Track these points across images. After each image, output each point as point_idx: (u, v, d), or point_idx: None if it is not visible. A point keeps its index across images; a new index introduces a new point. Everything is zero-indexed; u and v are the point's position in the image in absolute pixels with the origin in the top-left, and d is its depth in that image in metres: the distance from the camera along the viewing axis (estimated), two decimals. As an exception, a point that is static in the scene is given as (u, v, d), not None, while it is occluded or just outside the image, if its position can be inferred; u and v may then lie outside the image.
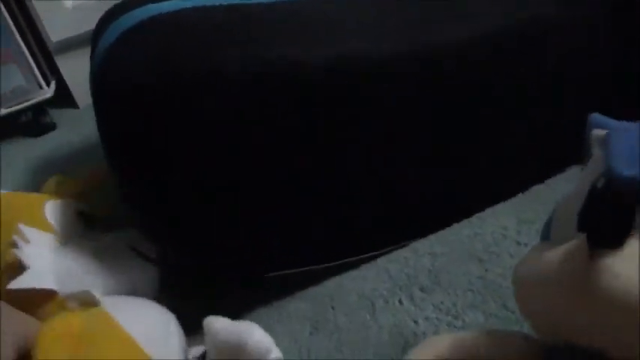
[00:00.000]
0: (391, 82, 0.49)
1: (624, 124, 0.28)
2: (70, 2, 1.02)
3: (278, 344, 0.44)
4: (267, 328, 0.42)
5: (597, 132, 0.30)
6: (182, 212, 0.51)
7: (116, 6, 0.66)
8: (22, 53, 0.95)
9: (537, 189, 0.54)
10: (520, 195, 0.54)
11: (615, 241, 0.23)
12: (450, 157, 0.52)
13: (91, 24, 0.67)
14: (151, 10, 0.58)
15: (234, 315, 0.42)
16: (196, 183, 0.50)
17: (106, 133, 0.52)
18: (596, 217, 0.23)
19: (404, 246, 0.53)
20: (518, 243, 0.48)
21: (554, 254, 0.26)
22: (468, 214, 0.52)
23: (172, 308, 0.44)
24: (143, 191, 0.51)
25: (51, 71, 1.05)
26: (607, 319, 0.24)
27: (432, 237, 0.52)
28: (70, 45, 1.03)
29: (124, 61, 0.53)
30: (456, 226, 0.52)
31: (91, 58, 0.61)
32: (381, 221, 0.53)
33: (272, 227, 0.51)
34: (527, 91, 0.53)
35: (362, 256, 0.53)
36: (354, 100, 0.49)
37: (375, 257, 0.52)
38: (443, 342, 0.31)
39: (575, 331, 0.25)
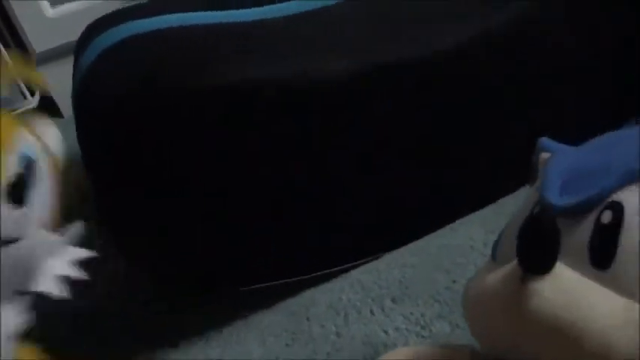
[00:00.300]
0: (375, 94, 0.50)
1: (564, 150, 0.30)
2: (53, 11, 1.03)
3: (254, 356, 0.46)
4: (243, 341, 0.44)
5: (544, 155, 0.32)
6: (168, 225, 0.52)
7: (97, 22, 0.68)
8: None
9: (505, 200, 0.56)
10: (489, 206, 0.56)
11: (542, 268, 0.25)
12: (438, 163, 0.54)
13: (74, 34, 0.68)
14: (131, 28, 0.60)
15: (209, 327, 0.43)
16: (183, 194, 0.51)
17: (87, 149, 0.54)
18: (526, 245, 0.25)
19: (378, 257, 0.55)
20: (484, 254, 0.50)
21: (495, 276, 0.28)
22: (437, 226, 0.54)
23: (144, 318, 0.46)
24: (125, 206, 0.53)
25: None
26: (540, 342, 0.26)
27: (403, 248, 0.54)
28: (53, 55, 1.04)
29: (105, 78, 0.54)
30: (427, 237, 0.54)
31: (73, 76, 0.62)
32: (376, 228, 0.55)
33: (266, 236, 0.53)
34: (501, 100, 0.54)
35: (344, 266, 0.54)
36: (346, 109, 0.50)
37: (349, 269, 0.54)
38: (400, 356, 0.33)
39: (514, 352, 0.27)
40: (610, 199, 0.25)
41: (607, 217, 0.25)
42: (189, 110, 0.49)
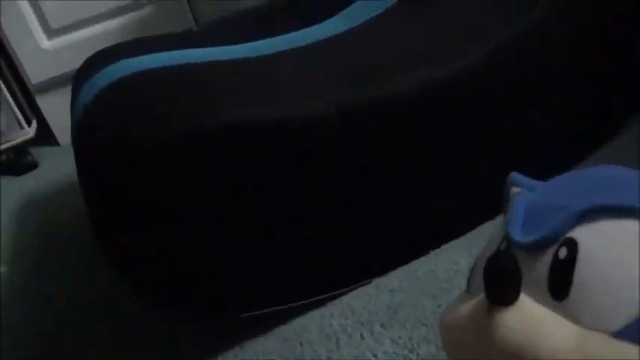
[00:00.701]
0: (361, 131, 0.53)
1: (535, 185, 0.33)
2: (48, 44, 1.06)
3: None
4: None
5: (514, 189, 0.35)
6: (168, 253, 0.55)
7: (94, 57, 0.70)
8: (3, 96, 0.99)
9: (490, 224, 0.58)
10: (472, 231, 0.58)
11: (506, 300, 0.27)
12: (399, 202, 0.56)
13: (69, 65, 0.70)
14: (127, 66, 0.62)
15: (204, 354, 0.46)
16: (180, 223, 0.54)
17: (87, 184, 0.56)
18: (491, 279, 0.27)
19: (368, 283, 0.57)
20: (468, 279, 0.52)
21: (466, 307, 0.30)
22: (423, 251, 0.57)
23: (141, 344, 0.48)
24: (123, 238, 0.55)
25: (32, 111, 1.08)
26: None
27: (392, 274, 0.56)
28: (50, 85, 1.07)
29: (101, 119, 0.57)
30: (413, 262, 0.57)
31: (72, 115, 0.65)
32: (366, 253, 0.57)
33: (258, 261, 0.55)
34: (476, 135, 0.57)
35: (331, 294, 0.57)
36: (335, 145, 0.53)
37: (339, 295, 0.56)
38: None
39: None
40: (565, 236, 0.28)
41: (563, 253, 0.27)
42: (185, 148, 0.51)
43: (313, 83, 0.54)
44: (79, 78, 0.68)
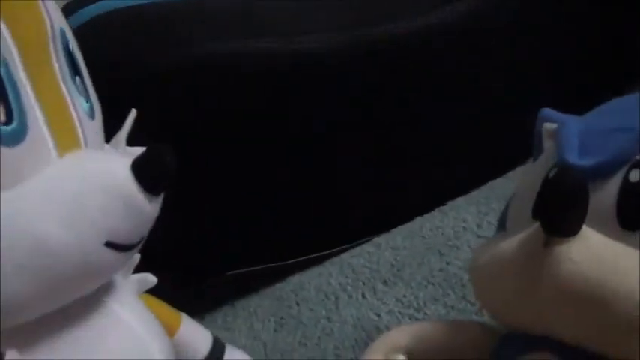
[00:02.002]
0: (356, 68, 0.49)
1: (574, 117, 0.29)
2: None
3: (241, 342, 0.44)
4: (230, 328, 0.42)
5: (548, 125, 0.31)
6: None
7: (68, 4, 0.65)
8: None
9: (497, 182, 0.55)
10: (481, 188, 0.54)
11: (571, 228, 0.24)
12: (405, 151, 0.53)
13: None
14: (104, 6, 0.57)
15: (194, 313, 0.41)
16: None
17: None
18: (551, 205, 0.24)
19: (368, 240, 0.53)
20: (478, 236, 0.49)
21: (509, 243, 0.26)
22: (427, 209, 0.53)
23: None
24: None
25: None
26: (565, 309, 0.24)
27: (394, 231, 0.53)
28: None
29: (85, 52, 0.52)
30: (417, 219, 0.53)
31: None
32: (365, 209, 0.53)
33: (251, 217, 0.51)
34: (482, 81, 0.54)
35: (329, 251, 0.53)
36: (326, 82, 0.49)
37: (338, 252, 0.52)
38: (403, 332, 0.31)
39: (531, 318, 0.26)
40: (637, 157, 0.24)
41: (635, 175, 0.24)
42: (169, 82, 0.47)
43: (313, 17, 0.50)
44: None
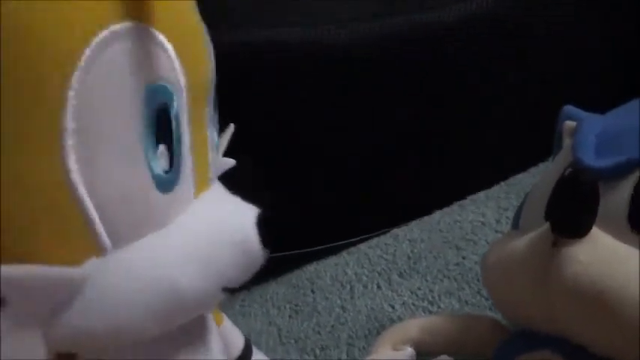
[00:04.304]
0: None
1: (594, 115, 0.29)
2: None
3: (256, 327, 0.44)
4: (246, 313, 0.43)
5: (569, 123, 0.31)
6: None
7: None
8: None
9: (518, 178, 0.54)
10: (501, 183, 0.54)
11: (580, 230, 0.24)
12: (429, 143, 0.53)
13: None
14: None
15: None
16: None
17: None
18: (562, 206, 0.24)
19: (386, 232, 0.53)
20: (496, 231, 0.49)
21: (521, 242, 0.26)
22: (447, 202, 0.53)
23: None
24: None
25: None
26: (573, 309, 0.24)
27: (412, 223, 0.53)
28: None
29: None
30: (436, 213, 0.53)
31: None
32: (383, 201, 0.53)
33: (263, 208, 0.51)
34: (507, 78, 0.53)
35: (347, 241, 0.53)
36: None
37: (356, 243, 0.53)
38: (414, 324, 0.32)
39: (539, 318, 0.26)
40: (652, 161, 0.24)
41: (648, 179, 0.23)
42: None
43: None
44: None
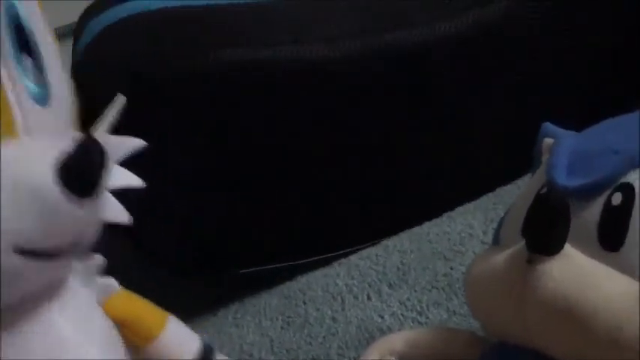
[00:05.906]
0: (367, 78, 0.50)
1: (570, 133, 0.30)
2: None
3: (249, 339, 0.45)
4: (240, 324, 0.44)
5: (547, 140, 0.32)
6: (167, 205, 0.52)
7: (91, 7, 0.67)
8: None
9: (505, 189, 0.55)
10: (489, 194, 0.55)
11: (552, 247, 0.25)
12: (415, 155, 0.54)
13: (70, 17, 0.67)
14: (129, 8, 0.59)
15: (204, 309, 0.43)
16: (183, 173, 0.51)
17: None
18: (535, 224, 0.25)
19: (376, 243, 0.54)
20: (483, 242, 0.50)
21: (499, 258, 0.27)
22: (435, 214, 0.54)
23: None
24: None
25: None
26: (547, 325, 0.25)
27: (402, 234, 0.54)
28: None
29: (103, 55, 0.53)
30: (425, 224, 0.54)
31: (72, 56, 0.61)
32: (373, 213, 0.54)
33: (264, 217, 0.52)
34: (492, 90, 0.54)
35: (337, 253, 0.54)
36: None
37: (347, 254, 0.54)
38: (399, 337, 0.33)
39: (516, 332, 0.27)
40: (620, 181, 0.25)
41: (617, 199, 0.24)
42: (189, 86, 0.48)
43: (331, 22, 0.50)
44: (80, 25, 0.65)
